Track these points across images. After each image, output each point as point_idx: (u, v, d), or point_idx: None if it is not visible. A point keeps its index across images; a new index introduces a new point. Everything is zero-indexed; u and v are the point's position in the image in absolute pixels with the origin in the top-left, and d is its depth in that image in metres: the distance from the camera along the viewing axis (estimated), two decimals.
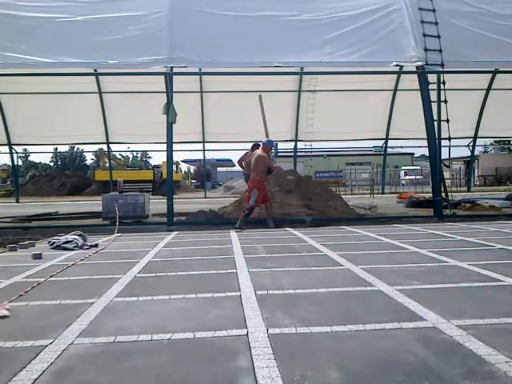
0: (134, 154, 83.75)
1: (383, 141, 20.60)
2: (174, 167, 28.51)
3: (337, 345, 2.50)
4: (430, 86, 10.20)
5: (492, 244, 5.98)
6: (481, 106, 18.91)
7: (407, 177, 38.86)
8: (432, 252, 5.39)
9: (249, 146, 11.47)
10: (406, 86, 16.31)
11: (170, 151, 10.03)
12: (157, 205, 12.41)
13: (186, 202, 17.04)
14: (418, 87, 10.50)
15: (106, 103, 18.49)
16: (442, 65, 10.02)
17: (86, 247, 6.45)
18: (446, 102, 10.16)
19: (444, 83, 10.18)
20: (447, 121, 10.22)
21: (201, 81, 17.76)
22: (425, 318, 2.89)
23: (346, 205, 11.57)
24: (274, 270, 4.53)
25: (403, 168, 41.60)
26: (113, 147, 21.16)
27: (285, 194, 10.61)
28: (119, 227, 8.74)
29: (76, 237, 6.67)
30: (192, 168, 52.03)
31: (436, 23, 10.34)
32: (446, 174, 13.11)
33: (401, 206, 14.34)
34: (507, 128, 19.33)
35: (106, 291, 3.77)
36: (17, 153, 21.32)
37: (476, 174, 37.59)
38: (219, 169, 59.11)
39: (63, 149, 77.92)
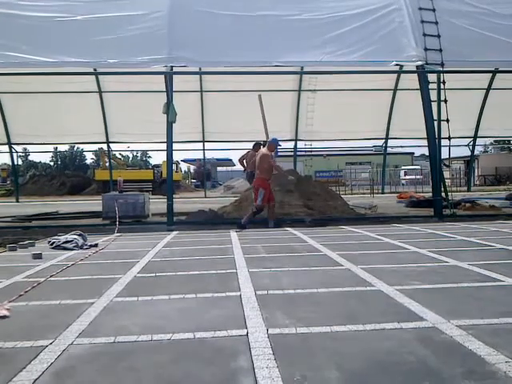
0: (134, 153, 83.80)
1: (383, 140, 20.60)
2: (174, 167, 28.43)
3: (337, 345, 2.50)
4: (430, 86, 10.20)
5: (492, 244, 5.98)
6: (481, 105, 18.91)
7: (407, 176, 38.86)
8: (432, 252, 5.38)
9: (249, 145, 11.49)
10: (406, 86, 16.31)
11: (169, 151, 10.03)
12: (157, 204, 12.41)
13: (186, 202, 17.04)
14: (418, 87, 10.50)
15: (106, 102, 18.48)
16: (442, 64, 10.02)
17: (85, 247, 6.45)
18: (445, 101, 10.16)
19: (444, 83, 10.18)
20: (447, 120, 10.23)
21: (201, 80, 17.75)
22: (425, 318, 2.89)
23: (345, 204, 11.57)
24: (274, 270, 4.53)
25: (403, 168, 41.60)
26: (113, 146, 21.14)
27: (285, 194, 10.60)
28: (119, 227, 8.74)
29: (76, 236, 6.67)
30: (192, 167, 52.04)
31: (436, 23, 10.33)
32: (446, 174, 13.10)
33: (401, 206, 14.33)
34: (507, 128, 19.32)
35: (105, 291, 3.77)
36: (17, 152, 21.32)
37: (476, 173, 37.58)
38: (219, 168, 59.07)
39: (63, 148, 77.93)
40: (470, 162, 23.70)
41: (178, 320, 2.99)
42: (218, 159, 45.38)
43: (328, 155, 36.89)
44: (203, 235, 7.91)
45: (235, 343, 2.53)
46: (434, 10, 10.47)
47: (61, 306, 3.43)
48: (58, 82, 14.96)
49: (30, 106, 17.57)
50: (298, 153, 20.84)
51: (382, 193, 23.96)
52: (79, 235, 6.77)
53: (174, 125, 9.91)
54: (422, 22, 10.34)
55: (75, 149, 78.32)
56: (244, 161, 12.23)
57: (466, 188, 24.04)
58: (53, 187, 36.75)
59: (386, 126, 19.74)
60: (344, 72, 12.64)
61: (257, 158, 9.37)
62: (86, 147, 58.22)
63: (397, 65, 10.53)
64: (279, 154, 10.72)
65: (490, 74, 16.90)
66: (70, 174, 45.33)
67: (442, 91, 10.15)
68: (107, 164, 27.75)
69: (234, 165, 57.55)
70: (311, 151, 21.99)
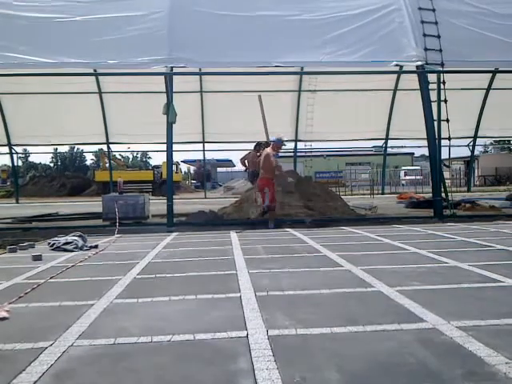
0: (134, 154, 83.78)
1: (383, 141, 20.60)
2: (174, 167, 28.49)
3: (337, 346, 2.50)
4: (430, 86, 10.20)
5: (492, 244, 5.97)
6: (481, 105, 18.92)
7: (407, 177, 38.87)
8: (432, 253, 5.38)
9: (249, 145, 11.51)
10: (406, 86, 16.31)
11: (169, 151, 10.03)
12: (157, 205, 12.40)
13: (186, 203, 17.04)
14: (418, 87, 10.50)
15: (106, 103, 18.50)
16: (442, 64, 10.01)
17: (85, 248, 6.45)
18: (445, 101, 10.16)
19: (444, 83, 10.18)
20: (447, 121, 10.22)
21: (201, 81, 17.76)
22: (425, 319, 2.89)
23: (345, 205, 11.56)
24: (274, 271, 4.53)
25: (403, 168, 41.61)
26: (113, 147, 21.15)
27: (285, 195, 10.59)
28: (119, 228, 8.73)
29: (76, 238, 6.67)
30: (192, 168, 52.05)
31: (436, 23, 10.33)
32: (446, 174, 13.08)
33: (401, 207, 14.33)
34: (507, 128, 19.33)
35: (105, 293, 3.77)
36: (17, 153, 21.32)
37: (476, 174, 37.58)
38: (219, 169, 59.08)
39: (63, 149, 78.03)
40: (470, 162, 23.70)
41: (177, 321, 2.99)
42: (218, 160, 45.42)
43: (328, 156, 36.90)
44: (203, 236, 7.90)
45: (235, 345, 2.53)
46: (433, 10, 10.46)
47: (61, 307, 3.43)
48: (57, 82, 14.97)
49: (29, 106, 17.58)
50: (298, 153, 20.85)
51: (382, 193, 23.95)
52: (79, 236, 6.77)
53: (173, 125, 9.91)
54: (422, 22, 10.33)
55: (75, 150, 78.42)
56: (246, 161, 12.31)
57: (466, 188, 24.04)
58: (53, 188, 36.78)
59: (386, 127, 19.75)
60: (344, 72, 12.65)
61: (261, 157, 9.44)
62: (86, 148, 58.38)
63: (397, 65, 10.53)
64: (280, 154, 10.72)
65: (490, 74, 16.91)
66: (70, 175, 45.37)
67: (442, 91, 10.14)
68: (107, 165, 27.76)
69: (234, 166, 57.58)
70: (311, 152, 22.00)
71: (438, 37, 10.19)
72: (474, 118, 19.28)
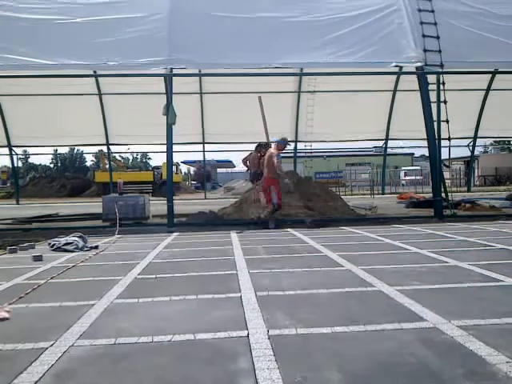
0: (134, 155, 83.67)
1: (383, 141, 20.60)
2: (174, 168, 28.51)
3: (337, 346, 2.50)
4: (430, 87, 10.21)
5: (492, 244, 5.98)
6: (480, 106, 18.93)
7: (407, 177, 38.89)
8: (432, 252, 5.38)
9: (249, 146, 11.52)
10: (406, 87, 16.31)
11: (169, 152, 10.03)
12: (157, 206, 12.41)
13: (186, 203, 17.05)
14: (418, 88, 10.51)
15: (106, 105, 18.50)
16: (442, 65, 10.02)
17: (86, 249, 6.45)
18: (445, 102, 10.17)
19: (443, 84, 10.19)
20: (447, 121, 10.23)
21: (200, 82, 17.76)
22: (425, 318, 2.89)
23: (346, 205, 11.57)
24: (275, 271, 4.53)
25: (403, 168, 41.63)
26: (113, 148, 21.14)
27: (285, 195, 10.57)
28: (119, 229, 8.74)
29: (76, 238, 6.67)
30: (192, 169, 52.05)
31: (435, 24, 10.34)
32: (446, 175, 13.09)
33: (401, 207, 14.33)
34: (507, 128, 19.33)
35: (106, 293, 3.77)
36: (17, 154, 21.30)
37: (476, 174, 37.60)
38: (219, 170, 59.07)
39: (63, 150, 77.98)
40: (469, 162, 23.71)
41: (178, 321, 2.99)
42: (218, 161, 45.45)
43: (328, 156, 36.92)
44: (203, 237, 7.90)
45: (236, 344, 2.53)
46: (432, 12, 10.47)
47: (61, 307, 3.43)
48: (57, 84, 14.98)
49: (29, 108, 17.58)
50: (298, 154, 20.85)
51: (382, 193, 23.95)
52: (79, 237, 6.77)
53: (173, 126, 9.92)
54: (421, 23, 10.34)
55: (75, 151, 78.34)
56: (247, 162, 12.39)
57: (466, 188, 24.05)
58: (53, 189, 36.78)
59: (386, 127, 19.75)
60: (344, 73, 12.64)
61: (265, 157, 9.51)
62: (86, 149, 58.34)
63: (396, 66, 10.53)
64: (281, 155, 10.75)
65: (490, 75, 16.92)
66: (70, 176, 45.34)
67: (442, 92, 10.15)
68: (107, 166, 27.76)
69: (234, 166, 57.62)
70: (311, 152, 21.99)
71: (438, 38, 10.20)
72: (473, 118, 19.29)
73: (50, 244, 6.69)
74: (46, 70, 9.99)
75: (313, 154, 22.99)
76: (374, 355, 2.35)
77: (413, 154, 47.66)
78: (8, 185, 42.60)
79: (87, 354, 2.46)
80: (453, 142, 10.85)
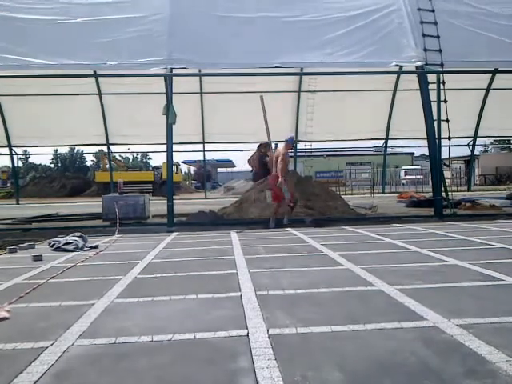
0: (134, 154, 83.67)
1: (383, 140, 20.60)
2: (174, 168, 28.51)
3: (337, 345, 2.50)
4: (430, 86, 10.20)
5: (492, 243, 5.97)
6: (481, 105, 18.93)
7: (407, 176, 38.89)
8: (432, 251, 5.38)
9: (248, 146, 11.53)
10: (406, 86, 16.31)
11: (170, 152, 10.03)
12: (157, 206, 12.41)
13: (186, 203, 17.05)
14: (418, 87, 10.50)
15: (106, 104, 18.51)
16: (442, 65, 10.02)
17: (86, 248, 6.45)
18: (445, 101, 10.17)
19: (444, 83, 10.19)
20: (447, 120, 10.23)
21: (200, 82, 17.77)
22: (425, 317, 2.89)
23: (346, 205, 11.57)
24: (275, 271, 4.53)
25: (403, 168, 41.62)
26: (113, 148, 21.16)
27: None
28: (119, 228, 8.74)
29: (76, 238, 6.67)
30: (192, 169, 52.06)
31: (435, 23, 10.34)
32: (446, 174, 13.08)
33: (401, 206, 14.33)
34: (507, 127, 19.33)
35: (106, 292, 3.77)
36: (17, 154, 21.32)
37: (476, 173, 37.59)
38: (219, 169, 59.12)
39: (63, 150, 77.91)
40: (470, 161, 23.71)
41: (178, 321, 2.99)
42: (218, 160, 45.46)
43: (328, 156, 36.91)
44: (203, 236, 7.90)
45: (236, 343, 2.53)
46: (433, 11, 10.47)
47: (61, 307, 3.43)
48: (57, 84, 14.98)
49: (29, 108, 17.59)
50: (298, 153, 20.85)
51: (383, 193, 23.96)
52: (79, 237, 6.77)
53: (174, 126, 9.92)
54: (422, 22, 10.34)
55: (75, 151, 78.36)
56: (251, 161, 12.48)
57: (466, 188, 24.05)
58: (53, 189, 36.80)
59: (386, 127, 19.76)
60: (344, 73, 12.65)
61: (274, 156, 9.53)
62: (86, 149, 58.37)
63: (396, 65, 10.53)
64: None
65: (490, 74, 16.91)
66: (70, 175, 45.34)
67: (442, 91, 10.15)
68: (107, 166, 27.78)
69: (234, 166, 57.66)
70: (311, 152, 22.00)
71: (438, 37, 10.20)
72: (474, 117, 19.29)
73: (49, 244, 6.69)
74: (45, 70, 10.00)
75: (313, 154, 22.99)
76: (374, 354, 2.35)
77: (413, 153, 47.68)
78: (8, 185, 42.61)
79: (87, 354, 2.46)
80: (453, 142, 10.86)
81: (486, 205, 12.56)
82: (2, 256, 6.23)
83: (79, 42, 10.00)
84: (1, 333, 2.84)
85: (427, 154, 11.77)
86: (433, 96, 10.17)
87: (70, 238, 6.67)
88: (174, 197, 10.50)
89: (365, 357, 2.32)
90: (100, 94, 18.12)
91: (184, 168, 51.24)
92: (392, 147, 24.11)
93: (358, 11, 10.63)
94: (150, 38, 9.98)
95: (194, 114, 18.37)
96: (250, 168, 13.01)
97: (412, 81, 11.75)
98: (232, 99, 17.62)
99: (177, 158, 38.61)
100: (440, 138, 10.21)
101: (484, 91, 18.47)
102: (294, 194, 9.46)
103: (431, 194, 11.36)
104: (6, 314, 3.16)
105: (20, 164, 57.11)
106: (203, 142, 20.25)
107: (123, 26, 10.13)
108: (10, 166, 23.08)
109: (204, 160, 23.52)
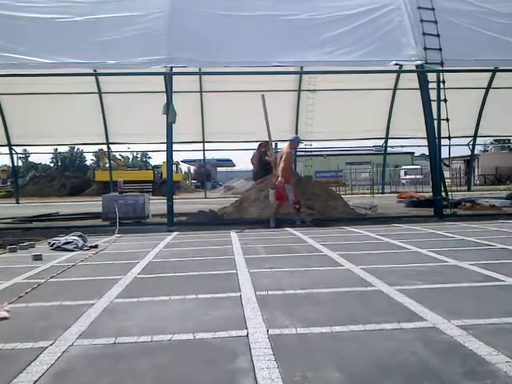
0: (134, 154, 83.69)
1: (383, 140, 20.59)
2: (174, 167, 28.49)
3: (337, 345, 2.50)
4: (430, 85, 10.19)
5: (492, 243, 5.97)
6: (481, 104, 18.92)
7: (407, 176, 38.86)
8: (432, 252, 5.38)
9: (249, 145, 11.54)
10: (406, 85, 16.31)
11: (169, 151, 10.03)
12: (157, 205, 12.40)
13: (186, 203, 17.04)
14: (418, 86, 10.50)
15: (106, 103, 18.50)
16: (442, 63, 10.01)
17: (86, 248, 6.45)
18: (445, 100, 10.16)
19: (444, 82, 10.18)
20: (447, 120, 10.22)
21: (200, 81, 17.76)
22: (425, 318, 2.88)
23: (346, 205, 11.57)
24: (274, 271, 4.52)
25: (403, 167, 41.61)
26: (113, 147, 21.16)
27: None
28: (119, 228, 8.74)
29: (76, 238, 6.67)
30: (192, 168, 52.04)
31: (435, 22, 10.33)
32: (446, 174, 13.09)
33: (401, 206, 14.33)
34: (507, 127, 19.32)
35: (106, 292, 3.77)
36: (17, 154, 21.33)
37: (476, 173, 37.57)
38: (219, 169, 59.06)
39: (63, 149, 77.86)
40: (470, 161, 23.71)
41: (178, 321, 2.99)
42: (218, 160, 45.41)
43: (328, 155, 36.91)
44: (203, 236, 7.90)
45: (235, 344, 2.53)
46: (433, 9, 10.46)
47: (61, 307, 3.43)
48: (57, 83, 14.97)
49: (29, 107, 17.58)
50: (298, 153, 20.84)
51: (382, 193, 23.95)
52: (79, 236, 6.77)
53: (173, 125, 9.91)
54: (422, 21, 10.33)
55: (75, 150, 78.36)
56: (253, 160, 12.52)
57: (466, 187, 24.04)
58: (53, 188, 36.76)
59: (386, 126, 19.75)
60: (344, 72, 12.64)
61: (278, 155, 9.52)
62: (86, 148, 58.36)
63: (396, 64, 10.52)
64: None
65: (490, 73, 16.90)
66: (70, 175, 45.35)
67: (442, 90, 10.14)
68: (107, 165, 27.76)
69: (234, 165, 57.64)
70: (311, 151, 21.99)
71: (438, 36, 10.18)
72: (474, 116, 19.29)
73: (49, 243, 6.69)
74: (45, 68, 9.99)
75: (313, 153, 22.98)
76: (374, 355, 2.35)
77: (413, 153, 47.66)
78: (8, 184, 42.59)
79: (86, 354, 2.46)
80: (453, 141, 10.85)
81: (486, 205, 12.56)
82: (2, 255, 6.23)
83: (79, 40, 9.99)
84: (0, 332, 2.84)
85: (427, 153, 11.77)
86: (433, 95, 10.17)
87: (69, 238, 6.67)
88: (173, 196, 10.50)
89: (364, 357, 2.32)
90: (100, 93, 18.11)
91: (184, 167, 51.27)
92: (392, 147, 24.13)
93: (357, 10, 10.62)
94: (149, 37, 9.97)
95: (193, 113, 18.36)
96: (251, 167, 13.03)
97: (412, 80, 11.74)
98: (232, 98, 17.61)
99: (177, 157, 38.56)
100: (440, 138, 10.21)
101: (484, 90, 18.46)
102: (297, 194, 9.40)
103: (431, 193, 11.35)
104: (5, 314, 3.16)
105: (20, 163, 56.90)
106: (203, 142, 20.24)
107: (123, 24, 10.12)
108: (10, 165, 23.07)
109: (204, 159, 23.52)
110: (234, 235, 7.74)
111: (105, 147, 21.16)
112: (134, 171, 40.96)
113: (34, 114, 17.76)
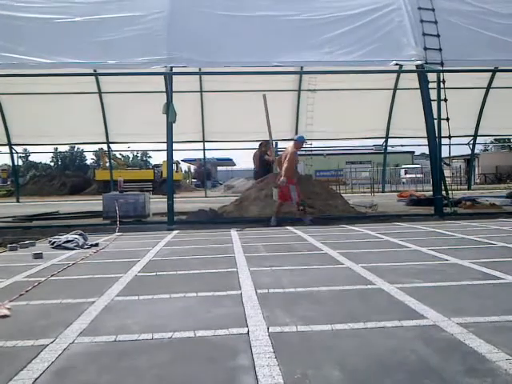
0: (135, 153, 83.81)
1: (383, 139, 20.59)
2: (174, 166, 28.48)
3: (337, 343, 2.50)
4: (430, 85, 10.20)
5: (493, 242, 5.98)
6: (481, 104, 18.92)
7: (407, 175, 38.81)
8: (432, 250, 5.38)
9: (249, 145, 11.56)
10: (406, 85, 16.31)
11: (170, 150, 10.03)
12: (157, 204, 12.41)
13: (187, 201, 17.03)
14: (418, 86, 10.50)
15: (106, 103, 18.50)
16: (442, 63, 10.01)
17: (86, 246, 6.46)
18: (445, 100, 10.16)
19: (444, 82, 10.18)
20: (447, 119, 10.23)
21: (200, 80, 17.76)
22: (425, 316, 2.89)
23: (346, 203, 11.56)
24: (275, 269, 4.53)
25: (403, 166, 41.57)
26: (113, 147, 21.16)
27: None
28: (120, 226, 8.75)
29: (77, 236, 6.67)
30: (192, 167, 52.06)
31: (435, 22, 10.32)
32: (447, 173, 13.10)
33: (401, 205, 14.33)
34: (507, 126, 19.32)
35: (106, 290, 3.77)
36: (17, 153, 21.36)
37: (476, 172, 37.60)
38: (219, 168, 59.11)
39: (63, 149, 77.96)
40: (470, 160, 23.71)
41: (178, 319, 2.99)
42: (218, 159, 45.42)
43: (328, 154, 36.90)
44: (204, 234, 7.91)
45: (236, 342, 2.53)
46: (433, 10, 10.46)
47: (61, 305, 3.43)
48: (57, 82, 14.96)
49: (30, 107, 17.58)
50: (298, 152, 20.75)
51: (383, 192, 23.96)
52: (80, 235, 6.77)
53: (174, 125, 9.91)
54: (422, 21, 10.33)
55: (75, 149, 78.42)
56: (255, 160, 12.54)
57: (466, 186, 24.05)
58: (53, 187, 36.79)
59: (386, 125, 19.75)
60: (344, 72, 12.63)
61: (283, 155, 9.50)
62: (86, 147, 58.25)
63: (396, 64, 10.52)
64: (279, 153, 10.78)
65: (490, 73, 16.91)
66: (70, 174, 45.39)
67: (442, 90, 10.15)
68: (107, 164, 27.78)
69: (235, 164, 57.67)
70: (311, 150, 21.98)
71: (438, 36, 10.18)
72: (474, 116, 19.29)
73: (50, 242, 6.70)
74: (45, 68, 9.98)
75: (313, 152, 22.96)
76: (375, 352, 2.35)
77: (413, 152, 47.64)
78: (8, 183, 42.63)
79: (87, 352, 2.46)
80: (453, 140, 10.85)
81: (486, 203, 12.56)
82: (3, 254, 6.23)
83: (78, 40, 9.98)
84: (1, 330, 2.85)
85: (427, 152, 11.77)
86: (433, 95, 10.17)
87: (70, 236, 6.68)
88: (174, 195, 10.50)
89: (365, 355, 2.32)
90: (100, 93, 18.11)
91: (184, 166, 51.24)
92: (392, 146, 24.11)
93: (357, 10, 10.61)
94: (149, 37, 9.97)
95: (194, 112, 18.36)
96: (252, 166, 13.07)
97: (412, 80, 11.74)
98: (232, 98, 17.62)
99: (177, 156, 38.53)
100: (440, 137, 10.21)
101: (484, 90, 18.46)
102: (301, 194, 9.36)
103: (431, 192, 11.36)
104: (6, 312, 3.16)
105: (20, 162, 57.03)
106: (203, 141, 20.23)
107: (123, 24, 10.11)
108: (10, 164, 23.07)
109: (204, 158, 23.51)
110: (234, 234, 7.74)
111: (105, 146, 21.15)
112: (134, 170, 40.98)
113: (34, 113, 17.75)
